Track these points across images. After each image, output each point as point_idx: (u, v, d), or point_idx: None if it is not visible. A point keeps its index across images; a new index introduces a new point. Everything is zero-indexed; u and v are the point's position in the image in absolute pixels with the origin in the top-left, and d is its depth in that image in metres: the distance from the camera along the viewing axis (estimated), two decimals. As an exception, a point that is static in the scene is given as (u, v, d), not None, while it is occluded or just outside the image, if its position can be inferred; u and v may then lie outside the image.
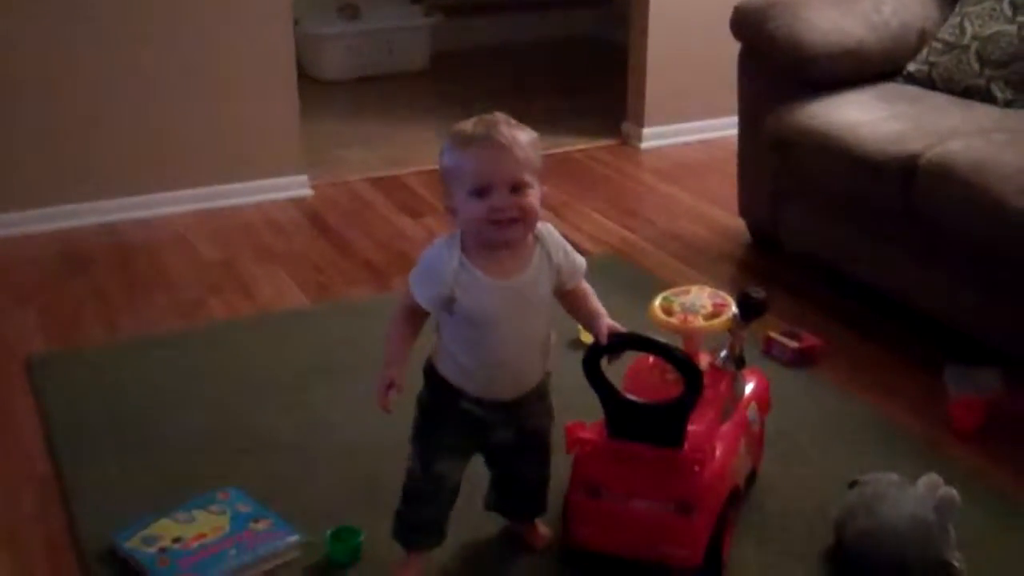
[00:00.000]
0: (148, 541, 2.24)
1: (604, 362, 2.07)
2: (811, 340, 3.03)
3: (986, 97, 3.30)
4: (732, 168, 3.85)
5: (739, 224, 3.86)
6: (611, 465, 2.10)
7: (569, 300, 2.09)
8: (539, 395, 2.10)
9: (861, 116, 3.22)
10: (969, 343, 2.94)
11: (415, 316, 2.01)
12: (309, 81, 5.26)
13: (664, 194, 4.32)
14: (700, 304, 2.23)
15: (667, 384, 2.10)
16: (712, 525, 2.07)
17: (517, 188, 1.90)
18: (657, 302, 2.25)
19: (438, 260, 1.95)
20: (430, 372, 2.07)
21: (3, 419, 2.76)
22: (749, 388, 2.36)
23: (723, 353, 2.26)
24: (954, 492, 2.13)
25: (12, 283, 3.51)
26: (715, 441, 2.11)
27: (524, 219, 1.92)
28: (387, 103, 5.52)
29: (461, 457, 2.11)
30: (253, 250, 3.77)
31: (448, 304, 1.95)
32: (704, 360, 2.22)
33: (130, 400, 2.81)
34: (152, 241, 3.83)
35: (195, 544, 2.22)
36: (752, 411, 2.34)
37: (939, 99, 3.34)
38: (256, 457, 2.57)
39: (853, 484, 2.28)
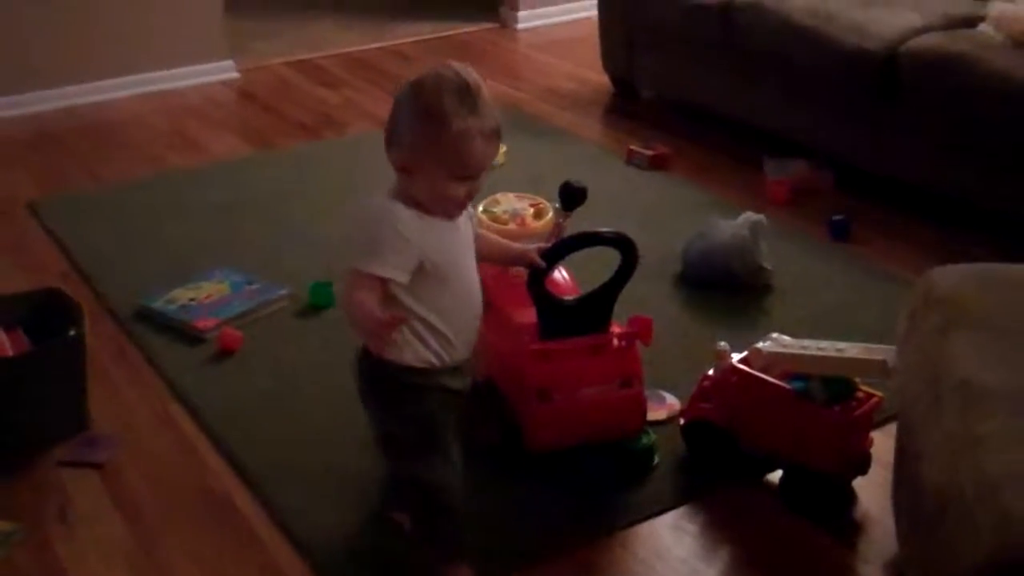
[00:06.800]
0: (169, 301, 2.95)
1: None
2: (662, 149, 3.84)
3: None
4: (596, 40, 4.62)
5: (604, 80, 4.65)
6: (554, 366, 2.14)
7: (480, 245, 2.02)
8: None
9: (694, -28, 4.05)
10: (784, 144, 3.78)
11: (382, 295, 1.82)
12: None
13: (540, 62, 5.09)
14: (521, 207, 2.42)
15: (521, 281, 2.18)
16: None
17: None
18: (482, 216, 2.39)
19: (395, 225, 1.80)
20: (397, 383, 1.90)
21: (18, 241, 3.42)
22: None
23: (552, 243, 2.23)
24: (763, 217, 2.97)
25: (-4, 155, 4.12)
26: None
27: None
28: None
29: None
30: (198, 119, 4.43)
31: (418, 269, 1.82)
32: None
33: (124, 222, 3.50)
34: (110, 119, 4.45)
35: (207, 301, 2.94)
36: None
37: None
38: (238, 250, 3.29)
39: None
